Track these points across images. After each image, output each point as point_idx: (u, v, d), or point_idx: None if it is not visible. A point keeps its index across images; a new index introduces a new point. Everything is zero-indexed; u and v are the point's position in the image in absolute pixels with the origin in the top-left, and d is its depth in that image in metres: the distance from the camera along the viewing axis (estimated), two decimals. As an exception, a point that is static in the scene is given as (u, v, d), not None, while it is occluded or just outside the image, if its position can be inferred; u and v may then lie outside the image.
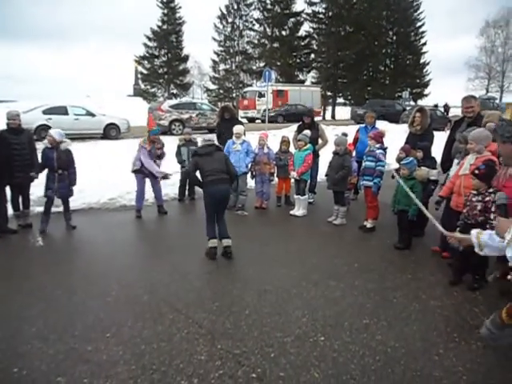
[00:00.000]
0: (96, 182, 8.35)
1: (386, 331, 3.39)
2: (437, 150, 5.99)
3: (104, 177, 8.74)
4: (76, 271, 4.70)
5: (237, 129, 7.19)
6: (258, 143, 7.55)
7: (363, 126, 8.08)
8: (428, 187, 5.63)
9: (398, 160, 5.88)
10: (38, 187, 7.25)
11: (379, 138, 6.11)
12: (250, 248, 5.44)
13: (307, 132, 7.09)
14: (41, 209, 7.25)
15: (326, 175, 6.72)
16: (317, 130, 7.66)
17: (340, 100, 47.52)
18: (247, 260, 5.01)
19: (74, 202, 7.63)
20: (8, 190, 6.24)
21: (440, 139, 6.49)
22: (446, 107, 39.05)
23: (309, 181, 7.36)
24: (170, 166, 8.04)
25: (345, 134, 6.77)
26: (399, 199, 5.43)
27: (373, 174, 5.98)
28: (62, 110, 16.76)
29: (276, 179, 7.83)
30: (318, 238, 5.93)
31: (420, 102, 45.50)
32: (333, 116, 42.20)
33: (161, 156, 7.25)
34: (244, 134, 7.36)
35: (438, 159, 5.88)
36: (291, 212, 7.10)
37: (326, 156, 7.71)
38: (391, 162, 6.96)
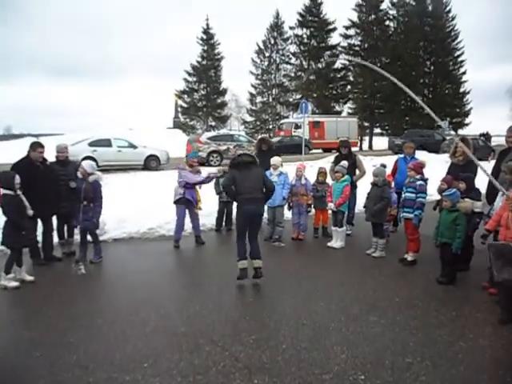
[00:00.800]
0: (136, 212, 8.57)
1: (430, 372, 3.22)
2: (481, 181, 5.79)
3: (144, 207, 8.96)
4: (116, 300, 4.79)
5: (274, 160, 7.27)
6: (295, 174, 7.57)
7: (402, 156, 7.96)
8: (473, 220, 5.42)
9: (440, 191, 5.73)
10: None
11: (419, 168, 5.99)
12: (287, 280, 5.38)
13: (344, 163, 7.06)
14: (84, 238, 7.56)
15: (365, 207, 6.62)
16: (354, 160, 7.62)
17: (377, 130, 47.19)
18: (284, 292, 4.94)
19: (116, 232, 7.89)
20: (54, 219, 6.52)
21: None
22: (487, 136, 37.96)
23: (346, 212, 7.27)
24: (207, 197, 8.15)
25: (383, 165, 6.68)
26: (442, 231, 5.26)
27: (413, 206, 5.84)
28: (106, 143, 17.53)
29: (313, 210, 7.78)
30: (356, 271, 5.79)
31: (461, 132, 44.51)
32: (370, 146, 41.88)
33: (199, 171, 7.32)
34: (281, 166, 7.41)
35: (483, 190, 5.67)
36: (329, 244, 7.00)
37: (363, 187, 7.62)
38: (432, 193, 6.78)
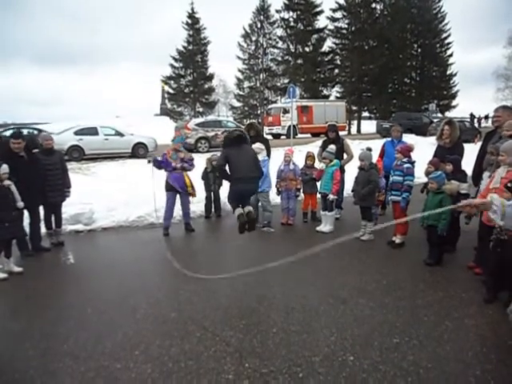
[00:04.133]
0: (125, 201, 8.52)
1: (417, 351, 3.29)
2: (467, 163, 5.85)
3: (132, 195, 8.88)
4: (105, 289, 4.78)
5: (255, 147, 7.06)
6: (283, 159, 7.57)
7: (389, 140, 7.99)
8: (458, 202, 5.48)
9: (427, 174, 5.78)
10: (70, 206, 7.51)
11: (406, 151, 6.02)
12: (277, 266, 5.39)
13: (332, 147, 7.07)
14: (73, 227, 7.51)
15: (353, 190, 6.66)
16: (341, 145, 7.63)
17: (365, 114, 47.31)
18: (274, 278, 4.97)
19: (104, 220, 7.84)
20: (41, 209, 6.45)
21: (470, 151, 6.36)
22: (473, 117, 38.20)
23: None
24: (195, 183, 8.12)
25: (369, 149, 6.70)
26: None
27: (401, 189, 5.88)
28: (93, 131, 17.31)
29: (302, 195, 7.80)
30: (345, 255, 5.84)
31: (448, 114, 44.81)
32: (358, 130, 41.99)
33: (184, 159, 7.23)
34: (261, 152, 7.25)
35: (469, 172, 5.73)
36: (318, 228, 7.04)
37: (351, 171, 7.66)
38: (420, 175, 6.83)
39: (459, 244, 5.73)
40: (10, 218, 5.26)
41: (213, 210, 8.47)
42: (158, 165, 7.19)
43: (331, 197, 6.86)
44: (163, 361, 3.22)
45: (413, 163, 6.04)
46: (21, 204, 5.36)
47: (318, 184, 7.25)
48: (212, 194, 8.42)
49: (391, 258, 5.69)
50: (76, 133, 16.98)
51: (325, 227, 6.97)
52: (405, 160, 5.96)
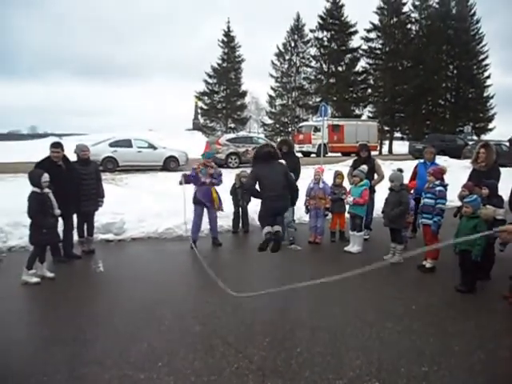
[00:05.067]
0: (154, 212, 8.67)
1: (447, 382, 3.17)
2: (504, 188, 5.67)
3: (162, 207, 9.05)
4: (132, 299, 4.85)
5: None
6: (313, 177, 7.55)
7: (422, 161, 7.86)
8: (495, 227, 5.30)
9: (461, 198, 5.65)
10: (102, 216, 7.71)
11: (439, 174, 5.90)
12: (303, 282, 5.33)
13: (364, 167, 7.00)
14: (104, 236, 7.69)
15: (383, 212, 6.55)
16: (373, 164, 7.55)
17: (397, 134, 46.70)
18: (300, 297, 4.92)
19: (134, 231, 8.00)
20: (75, 217, 6.64)
21: (507, 176, 6.17)
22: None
23: (364, 217, 7.20)
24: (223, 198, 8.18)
25: (400, 170, 6.61)
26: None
27: (432, 212, 5.75)
28: (127, 143, 17.78)
29: (330, 214, 7.73)
30: (373, 277, 5.70)
31: (484, 137, 43.66)
32: (390, 151, 41.46)
33: (214, 175, 7.27)
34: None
35: (506, 198, 5.55)
36: (346, 248, 6.94)
37: (382, 192, 7.55)
38: (453, 199, 6.67)
39: (493, 272, 5.53)
40: (48, 225, 5.44)
41: (240, 225, 8.50)
42: (188, 180, 7.32)
43: (350, 199, 6.77)
44: (186, 374, 3.22)
45: (445, 186, 5.91)
46: (58, 211, 5.55)
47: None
48: (240, 209, 8.47)
49: (421, 282, 5.54)
50: (111, 145, 17.48)
51: (353, 247, 6.87)
52: (437, 183, 5.83)
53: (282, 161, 5.38)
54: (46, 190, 5.42)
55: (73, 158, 6.62)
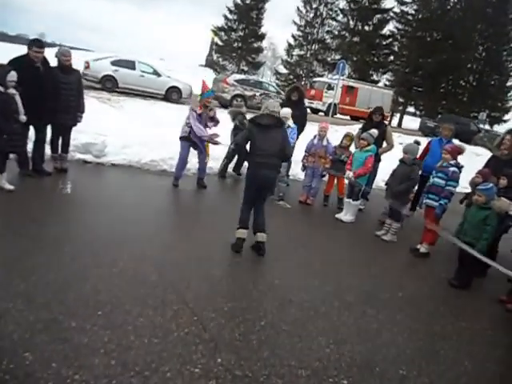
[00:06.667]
0: (141, 141, 7.99)
1: (425, 391, 2.71)
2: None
3: (151, 137, 8.35)
4: (91, 229, 4.31)
5: (283, 112, 6.17)
6: (317, 133, 6.85)
7: (437, 138, 7.17)
8: (505, 222, 4.77)
9: (473, 185, 5.05)
10: (83, 134, 7.04)
11: (456, 153, 5.26)
12: (284, 246, 4.83)
13: (374, 131, 6.31)
14: (82, 156, 7.06)
15: (386, 184, 5.95)
16: (384, 130, 6.86)
17: (410, 109, 45.30)
18: (277, 259, 4.41)
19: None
20: (49, 130, 5.97)
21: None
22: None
23: (364, 186, 6.60)
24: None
25: (417, 142, 5.95)
26: (466, 229, 4.62)
27: (440, 194, 5.16)
28: (130, 64, 16.71)
29: (327, 176, 7.12)
30: (361, 253, 5.24)
31: (496, 128, 42.51)
32: (399, 124, 40.28)
33: (214, 118, 6.62)
34: (290, 119, 6.51)
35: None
36: (337, 215, 6.40)
37: (387, 162, 6.94)
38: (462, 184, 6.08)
39: (491, 271, 5.04)
40: (9, 130, 4.78)
41: (229, 170, 7.87)
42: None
43: (350, 174, 6.18)
44: (126, 330, 2.72)
45: (460, 168, 5.27)
46: (23, 118, 4.87)
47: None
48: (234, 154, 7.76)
49: (412, 267, 5.07)
50: (113, 63, 16.40)
51: (345, 216, 6.32)
52: (452, 162, 5.20)
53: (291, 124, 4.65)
54: (12, 91, 4.70)
55: (53, 63, 5.82)
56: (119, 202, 5.40)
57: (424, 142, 7.55)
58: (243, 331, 2.96)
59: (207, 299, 3.31)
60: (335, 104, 23.94)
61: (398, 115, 42.18)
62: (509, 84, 44.17)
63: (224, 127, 7.33)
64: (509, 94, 44.34)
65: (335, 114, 25.83)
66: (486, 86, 43.57)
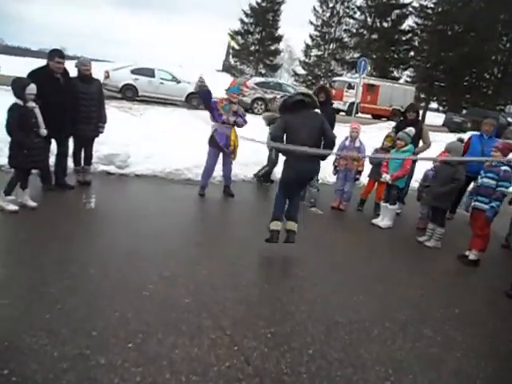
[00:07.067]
0: (165, 150, 7.76)
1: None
2: None
3: (175, 145, 8.10)
4: (117, 247, 4.05)
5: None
6: (349, 134, 6.48)
7: (478, 134, 6.72)
8: None
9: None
10: (105, 145, 6.86)
11: (508, 150, 4.80)
12: (320, 258, 4.48)
13: (411, 129, 5.89)
14: (105, 167, 6.87)
15: (427, 186, 5.54)
16: (420, 129, 6.44)
17: (433, 105, 44.20)
18: (315, 274, 4.06)
19: (139, 166, 7.15)
20: (71, 142, 5.80)
21: None
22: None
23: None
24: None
25: (460, 140, 5.52)
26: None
27: (491, 195, 4.72)
28: (150, 72, 16.66)
29: (362, 180, 6.73)
30: (404, 261, 4.84)
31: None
32: (422, 120, 39.29)
33: (237, 113, 6.17)
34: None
35: None
36: (374, 221, 6.01)
37: (423, 162, 6.53)
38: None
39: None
40: (30, 146, 4.58)
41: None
42: (205, 97, 6.04)
43: (387, 177, 5.78)
44: (160, 367, 2.42)
45: (512, 167, 4.82)
46: (43, 131, 4.67)
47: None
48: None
49: (463, 277, 4.64)
50: (133, 71, 16.39)
51: (382, 221, 5.94)
52: (503, 161, 4.76)
53: (318, 110, 4.35)
54: (31, 104, 4.51)
55: (73, 73, 5.64)
56: (144, 214, 5.14)
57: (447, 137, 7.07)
58: (290, 362, 2.63)
59: (246, 324, 2.99)
60: (357, 103, 23.43)
61: (421, 111, 41.16)
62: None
63: (257, 133, 7.01)
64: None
65: (357, 114, 25.27)
66: (511, 78, 42.22)
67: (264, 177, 7.50)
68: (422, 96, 41.15)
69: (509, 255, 5.63)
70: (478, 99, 41.42)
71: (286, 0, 42.58)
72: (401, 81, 40.43)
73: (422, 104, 41.53)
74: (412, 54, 42.08)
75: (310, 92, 4.29)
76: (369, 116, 27.85)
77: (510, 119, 35.34)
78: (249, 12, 42.65)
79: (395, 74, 41.94)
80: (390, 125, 19.27)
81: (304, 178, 4.16)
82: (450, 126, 24.62)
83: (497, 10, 39.49)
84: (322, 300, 3.52)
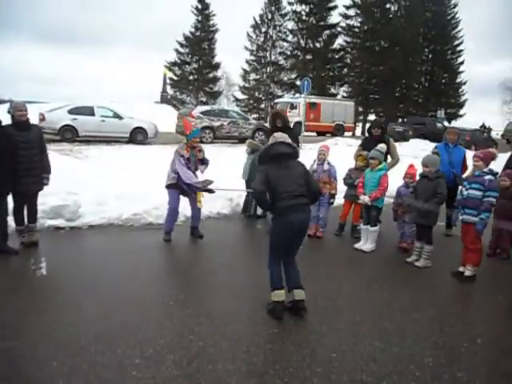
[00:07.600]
0: (119, 194, 7.07)
1: None
2: None
3: (128, 188, 7.42)
4: (84, 325, 3.35)
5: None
6: (316, 157, 6.17)
7: (442, 143, 6.65)
8: None
9: (504, 188, 4.46)
10: (51, 196, 6.11)
11: (489, 159, 4.66)
12: (313, 299, 4.01)
13: (382, 146, 5.68)
14: (53, 222, 6.08)
15: (408, 205, 5.27)
16: (388, 145, 6.25)
17: (370, 117, 45.99)
18: (316, 311, 3.61)
19: (92, 216, 6.42)
20: (10, 199, 5.02)
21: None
22: (484, 128, 37.03)
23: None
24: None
25: (436, 153, 5.36)
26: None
27: (478, 207, 4.52)
28: (89, 111, 15.82)
29: (337, 202, 6.40)
30: (403, 287, 4.47)
31: (454, 123, 43.58)
32: (363, 132, 40.62)
33: (204, 161, 5.80)
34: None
35: None
36: (356, 245, 5.67)
37: (393, 177, 6.31)
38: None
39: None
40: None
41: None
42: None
43: (366, 199, 5.49)
44: None
45: (495, 175, 4.67)
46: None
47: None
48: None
49: (467, 297, 4.36)
50: (70, 111, 15.46)
51: (365, 245, 5.61)
52: (486, 170, 4.59)
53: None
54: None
55: (7, 120, 4.93)
56: (106, 272, 4.48)
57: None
58: None
59: None
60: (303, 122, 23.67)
61: (361, 124, 42.66)
62: (458, 80, 45.77)
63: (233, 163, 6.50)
64: (460, 90, 45.88)
65: (302, 133, 25.53)
66: (437, 85, 45.17)
67: (255, 211, 7.03)
68: (360, 109, 42.73)
69: (502, 266, 5.42)
70: (411, 108, 43.74)
71: (219, 28, 43.17)
72: (338, 96, 41.82)
73: (361, 117, 43.12)
74: (346, 70, 43.81)
75: (289, 140, 3.80)
76: (314, 134, 28.24)
77: (439, 123, 37.41)
78: (184, 42, 42.68)
79: (333, 90, 43.44)
80: (338, 141, 19.58)
81: (301, 230, 3.66)
82: (393, 136, 25.33)
83: (416, 24, 42.23)
84: (338, 356, 3.03)
